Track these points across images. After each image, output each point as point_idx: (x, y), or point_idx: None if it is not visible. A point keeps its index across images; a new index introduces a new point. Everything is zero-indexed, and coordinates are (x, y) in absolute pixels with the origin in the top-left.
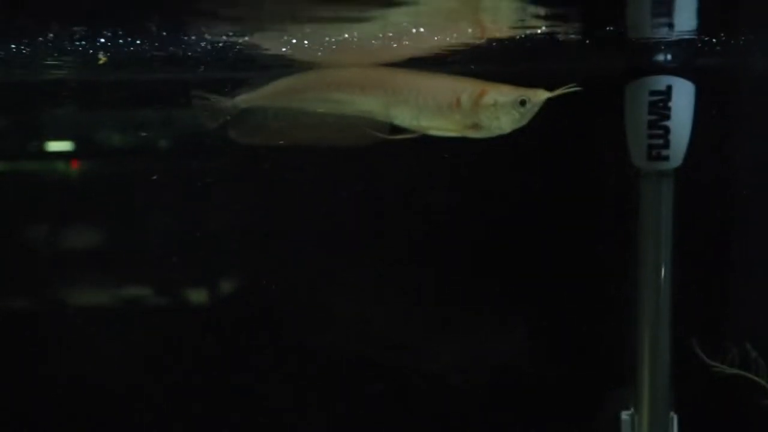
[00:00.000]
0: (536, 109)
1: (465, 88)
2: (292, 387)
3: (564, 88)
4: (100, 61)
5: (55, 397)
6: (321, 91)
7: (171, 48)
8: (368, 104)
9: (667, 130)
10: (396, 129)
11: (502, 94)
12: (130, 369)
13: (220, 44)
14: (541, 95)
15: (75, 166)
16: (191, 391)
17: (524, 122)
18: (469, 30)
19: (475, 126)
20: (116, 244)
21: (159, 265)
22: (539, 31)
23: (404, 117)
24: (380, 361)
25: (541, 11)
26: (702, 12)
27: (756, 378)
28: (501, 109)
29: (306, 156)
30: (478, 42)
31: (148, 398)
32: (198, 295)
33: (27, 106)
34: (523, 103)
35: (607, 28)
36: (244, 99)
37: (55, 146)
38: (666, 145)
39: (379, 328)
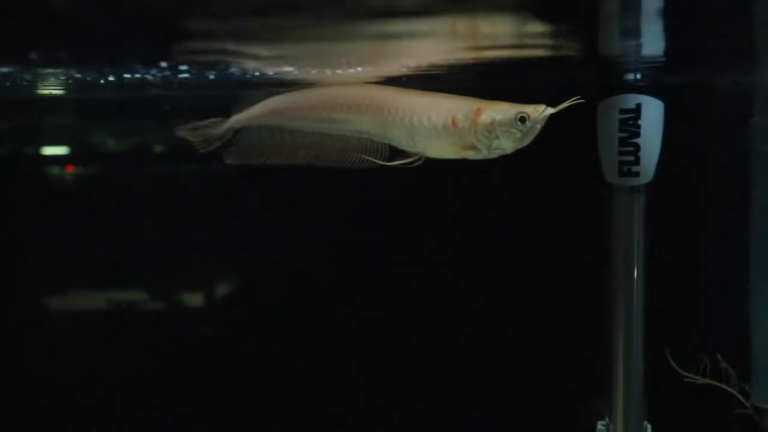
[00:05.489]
0: (539, 126)
1: (460, 106)
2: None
3: (568, 101)
4: None
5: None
6: (316, 110)
7: (167, 72)
8: (365, 124)
9: (637, 147)
10: (395, 151)
11: (499, 111)
12: (122, 372)
13: (218, 67)
14: (543, 111)
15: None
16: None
17: (527, 141)
18: (463, 48)
19: (473, 147)
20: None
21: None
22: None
23: (400, 138)
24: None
25: (538, 30)
26: (669, 33)
27: (727, 387)
28: (499, 127)
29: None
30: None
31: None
32: (191, 300)
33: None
34: (522, 120)
35: (580, 48)
36: (237, 119)
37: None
38: (636, 161)
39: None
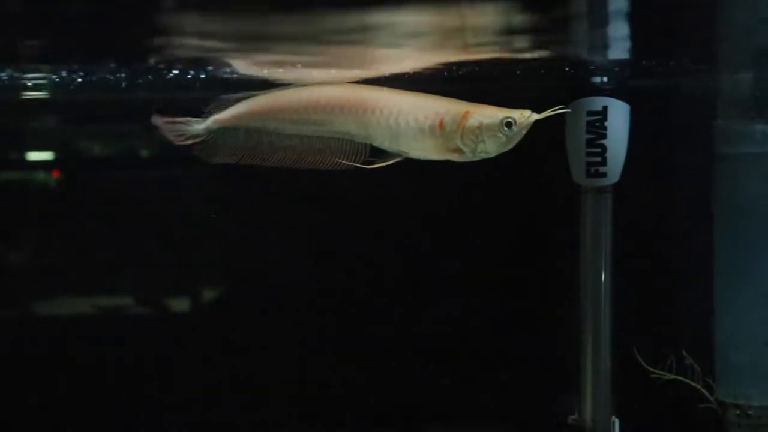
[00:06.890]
0: (524, 131)
1: (448, 109)
2: None
3: (553, 109)
4: None
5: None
6: (298, 111)
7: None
8: (346, 125)
9: (604, 148)
10: (375, 151)
11: (486, 116)
12: (110, 375)
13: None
14: (529, 117)
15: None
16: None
17: (511, 145)
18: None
19: (458, 149)
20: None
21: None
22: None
23: (383, 138)
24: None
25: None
26: (635, 37)
27: (692, 382)
28: (486, 131)
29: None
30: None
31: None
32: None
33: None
34: (509, 125)
35: (549, 52)
36: (216, 119)
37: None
38: (603, 162)
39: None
